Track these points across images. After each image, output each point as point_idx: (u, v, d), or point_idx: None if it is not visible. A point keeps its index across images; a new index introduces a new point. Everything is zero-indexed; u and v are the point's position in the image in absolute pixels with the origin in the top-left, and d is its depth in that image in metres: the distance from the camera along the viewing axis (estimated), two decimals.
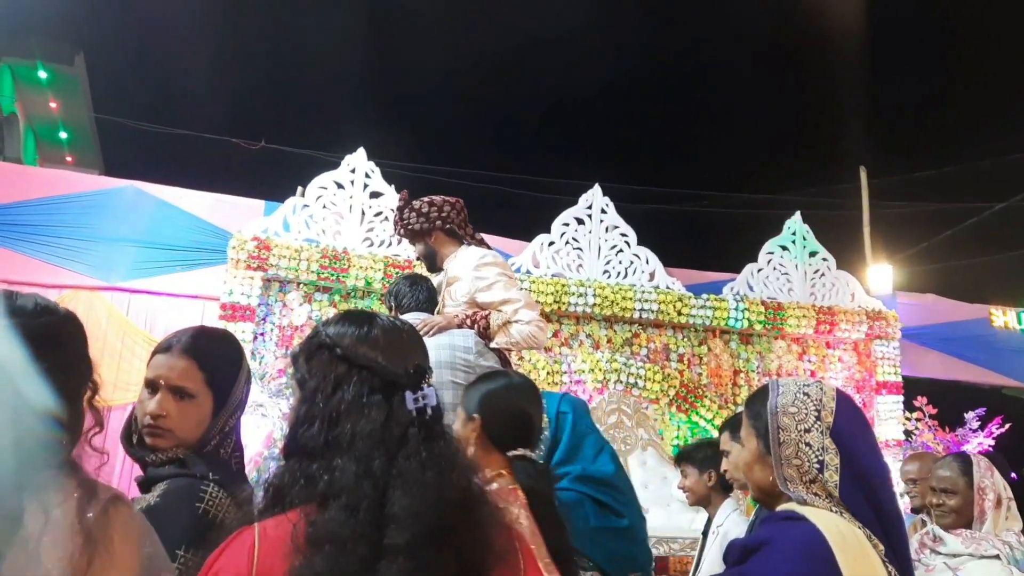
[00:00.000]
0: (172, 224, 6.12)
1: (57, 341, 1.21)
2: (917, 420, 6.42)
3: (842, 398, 1.56)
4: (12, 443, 1.04)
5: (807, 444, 1.49)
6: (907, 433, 6.59)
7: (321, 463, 1.08)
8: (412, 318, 2.71)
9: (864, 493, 1.46)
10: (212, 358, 1.58)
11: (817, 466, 1.47)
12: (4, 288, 1.24)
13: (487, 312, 2.83)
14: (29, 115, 12.79)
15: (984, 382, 7.85)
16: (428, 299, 2.95)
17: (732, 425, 2.63)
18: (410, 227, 3.05)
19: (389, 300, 2.99)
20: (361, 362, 1.16)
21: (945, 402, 6.43)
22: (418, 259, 3.29)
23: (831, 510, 1.44)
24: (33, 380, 1.10)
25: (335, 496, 1.05)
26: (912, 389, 6.71)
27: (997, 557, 2.28)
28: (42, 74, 11.98)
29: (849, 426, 1.51)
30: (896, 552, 1.44)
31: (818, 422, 1.51)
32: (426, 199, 3.08)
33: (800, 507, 1.46)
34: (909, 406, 6.63)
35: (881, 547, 1.41)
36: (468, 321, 2.79)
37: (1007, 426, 5.67)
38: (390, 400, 1.13)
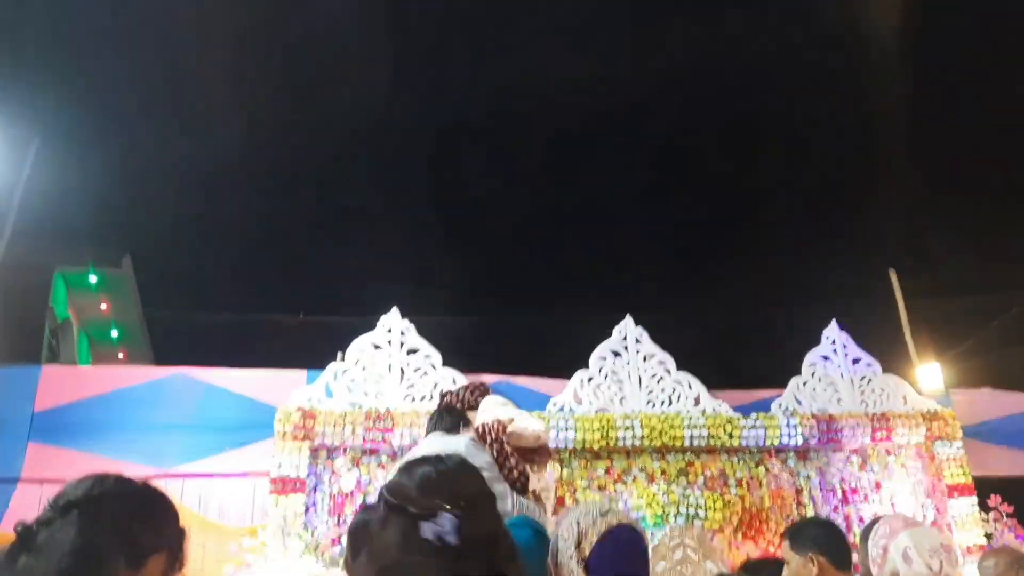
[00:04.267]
0: (220, 405, 6.30)
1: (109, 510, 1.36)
2: (995, 521, 6.08)
3: (613, 533, 1.68)
4: None
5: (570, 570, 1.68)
6: (988, 536, 6.23)
7: None
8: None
9: None
10: None
11: None
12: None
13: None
14: (82, 319, 13.45)
15: None
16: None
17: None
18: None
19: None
20: (391, 504, 1.28)
21: (1021, 499, 6.10)
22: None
23: None
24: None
25: None
26: (984, 489, 6.39)
27: None
28: (92, 278, 12.69)
29: (600, 560, 1.64)
30: None
31: (576, 550, 1.67)
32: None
33: None
34: (984, 508, 6.30)
35: None
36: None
37: None
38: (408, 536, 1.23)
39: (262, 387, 6.42)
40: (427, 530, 1.20)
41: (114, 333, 13.71)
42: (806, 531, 2.65)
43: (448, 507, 1.23)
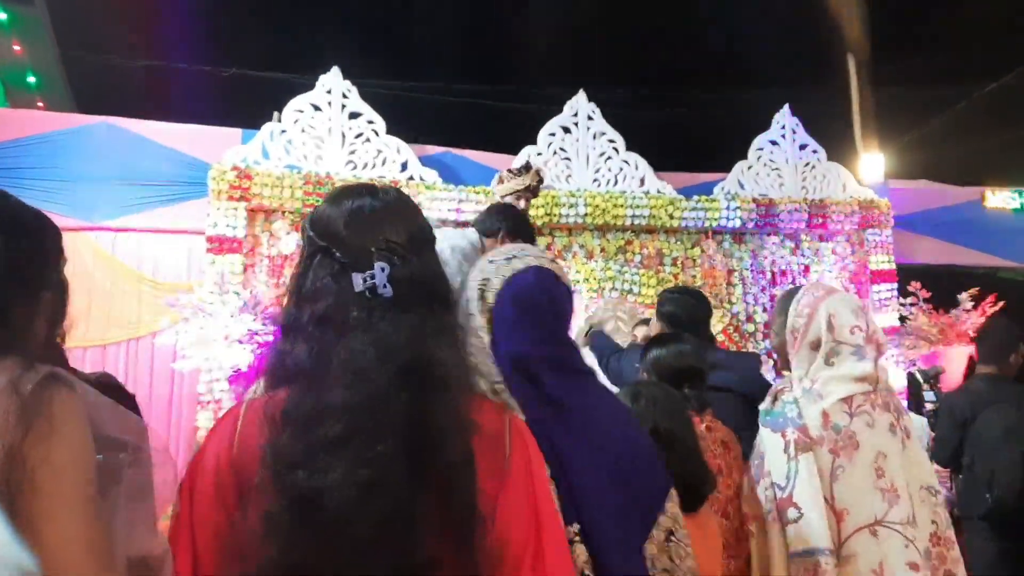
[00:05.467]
0: (149, 158, 5.97)
1: (20, 229, 1.19)
2: (912, 305, 6.44)
3: (519, 275, 1.51)
4: None
5: (478, 325, 1.54)
6: (902, 319, 6.63)
7: (288, 344, 1.10)
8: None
9: None
10: None
11: None
12: None
13: None
14: None
15: (979, 264, 7.85)
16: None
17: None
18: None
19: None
20: (321, 243, 1.15)
21: (940, 287, 6.42)
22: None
23: None
24: None
25: (292, 379, 1.06)
26: (907, 276, 6.70)
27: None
28: (1, 16, 11.53)
29: (501, 306, 1.49)
30: None
31: (480, 301, 1.50)
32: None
33: None
34: (904, 293, 6.65)
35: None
36: None
37: (1001, 304, 5.70)
38: (339, 282, 1.11)
39: (195, 142, 6.08)
40: (358, 281, 1.09)
41: (30, 79, 12.73)
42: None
43: (385, 249, 1.12)
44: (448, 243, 2.89)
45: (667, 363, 2.42)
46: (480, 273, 1.52)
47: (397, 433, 1.01)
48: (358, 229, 1.14)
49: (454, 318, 1.22)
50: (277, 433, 1.02)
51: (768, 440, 2.09)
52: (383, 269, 1.09)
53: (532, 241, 3.24)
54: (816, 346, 2.14)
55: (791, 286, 6.77)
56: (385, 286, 1.08)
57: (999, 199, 7.84)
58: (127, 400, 1.95)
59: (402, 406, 1.02)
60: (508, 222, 3.25)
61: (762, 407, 2.21)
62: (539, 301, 1.48)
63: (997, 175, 8.30)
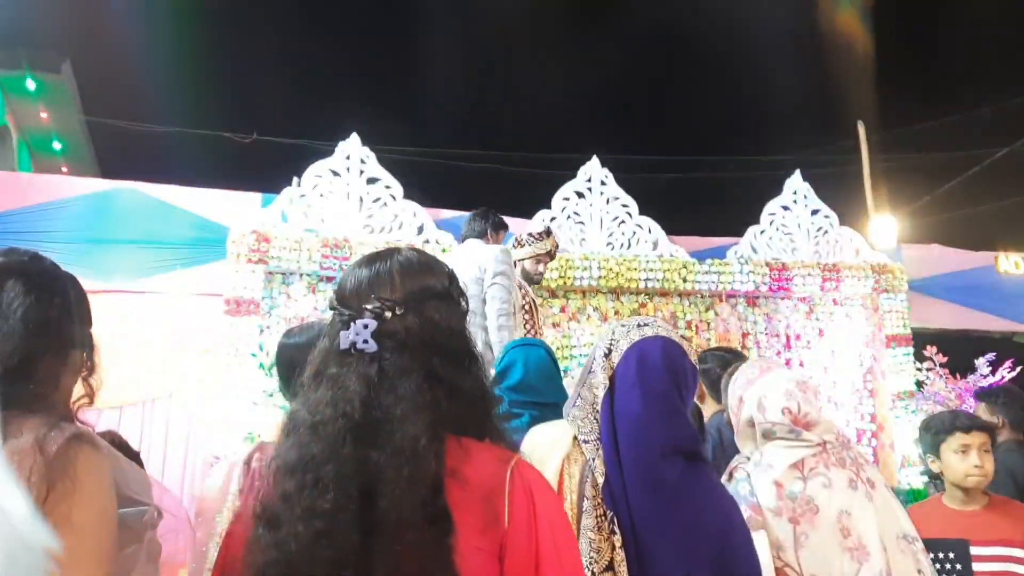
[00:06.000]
0: (171, 223, 6.09)
1: (53, 288, 1.22)
2: (928, 370, 6.39)
3: (645, 342, 1.60)
4: None
5: (598, 381, 1.68)
6: (919, 384, 6.57)
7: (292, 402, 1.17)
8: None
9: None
10: None
11: None
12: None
13: None
14: (21, 127, 12.74)
15: (994, 329, 7.82)
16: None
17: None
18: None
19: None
20: (334, 305, 1.21)
21: (955, 351, 6.40)
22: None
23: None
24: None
25: (290, 432, 1.11)
26: (922, 341, 6.68)
27: None
28: (31, 84, 11.91)
29: (626, 369, 1.58)
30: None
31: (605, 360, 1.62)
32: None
33: None
34: (920, 357, 6.60)
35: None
36: None
37: (1019, 369, 5.64)
38: (334, 340, 1.15)
39: (214, 206, 6.21)
40: (344, 338, 1.12)
41: (56, 145, 13.09)
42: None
43: (373, 307, 1.14)
44: (485, 263, 3.91)
45: None
46: (610, 335, 1.60)
47: (346, 487, 1.01)
48: (358, 289, 1.19)
49: (462, 368, 1.19)
50: (256, 488, 1.08)
51: None
52: (366, 326, 1.11)
53: (506, 228, 4.39)
54: (752, 424, 2.15)
55: (811, 360, 6.75)
56: (367, 341, 1.10)
57: (1011, 263, 7.85)
58: (134, 458, 1.98)
59: (351, 461, 1.03)
60: (489, 220, 4.27)
61: None
62: (664, 371, 1.54)
63: (1008, 239, 8.33)
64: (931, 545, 2.27)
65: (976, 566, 2.47)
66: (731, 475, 2.14)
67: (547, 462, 1.52)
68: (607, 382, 1.54)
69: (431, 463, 1.05)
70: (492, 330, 3.77)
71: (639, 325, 1.61)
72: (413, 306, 1.17)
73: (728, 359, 3.19)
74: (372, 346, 1.10)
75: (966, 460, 2.63)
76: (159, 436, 5.68)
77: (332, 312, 1.20)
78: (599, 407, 1.53)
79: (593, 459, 1.49)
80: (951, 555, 2.51)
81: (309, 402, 1.10)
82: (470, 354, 1.22)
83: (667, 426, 1.50)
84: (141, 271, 5.93)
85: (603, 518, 1.44)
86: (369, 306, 1.14)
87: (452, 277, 1.27)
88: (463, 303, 1.27)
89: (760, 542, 1.90)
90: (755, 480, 2.04)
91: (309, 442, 1.05)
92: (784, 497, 1.98)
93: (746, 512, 1.97)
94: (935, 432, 2.73)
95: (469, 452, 1.12)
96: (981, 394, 3.73)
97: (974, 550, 2.51)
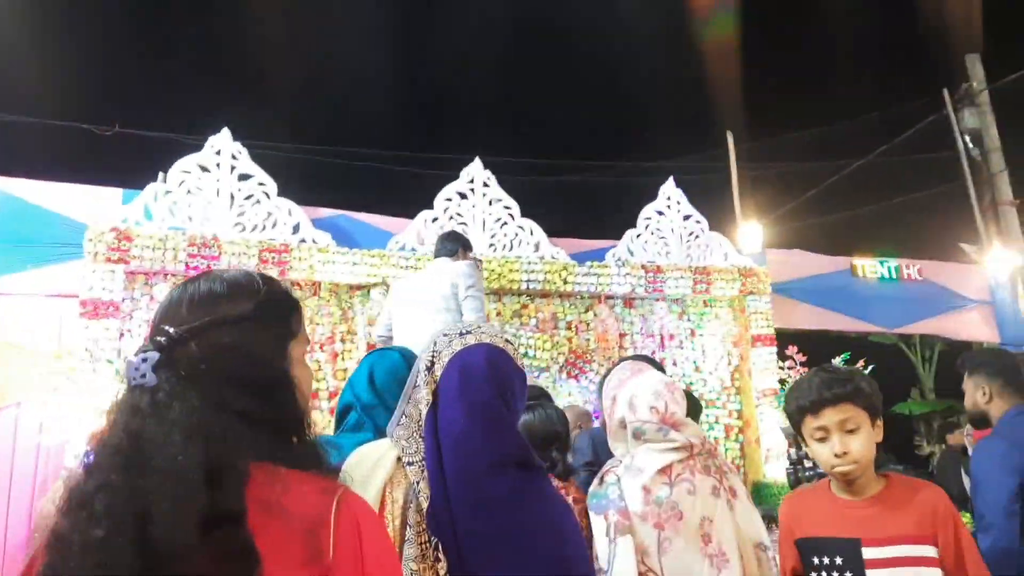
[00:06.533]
0: (20, 219, 5.65)
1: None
2: (789, 368, 6.76)
3: (467, 352, 1.55)
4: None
5: (421, 399, 1.64)
6: (781, 381, 6.94)
7: None
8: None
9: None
10: None
11: None
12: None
13: None
14: None
15: (850, 330, 8.36)
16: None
17: None
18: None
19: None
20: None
21: (815, 351, 6.78)
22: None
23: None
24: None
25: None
26: (785, 341, 7.05)
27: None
28: None
29: (448, 384, 1.54)
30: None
31: (428, 374, 1.58)
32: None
33: None
34: (782, 356, 6.97)
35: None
36: None
37: (870, 367, 6.06)
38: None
39: (71, 202, 5.80)
40: (128, 371, 1.11)
41: None
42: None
43: (156, 339, 1.13)
44: (456, 279, 4.32)
45: (535, 428, 2.44)
46: (432, 346, 1.53)
47: (117, 516, 0.98)
48: (158, 319, 1.19)
49: (262, 394, 1.16)
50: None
51: (593, 523, 2.08)
52: (144, 359, 1.09)
53: (472, 248, 4.88)
54: (624, 425, 2.20)
55: (683, 358, 7.02)
56: (144, 375, 1.08)
57: (865, 268, 8.42)
58: None
59: (121, 489, 1.00)
60: (460, 241, 4.77)
61: (590, 489, 2.19)
62: (486, 380, 1.48)
63: (863, 246, 8.93)
64: (818, 546, 2.10)
65: (870, 573, 2.03)
66: (602, 479, 2.16)
67: (368, 486, 1.46)
68: (430, 397, 1.47)
69: (202, 489, 1.00)
70: None
71: (461, 334, 1.54)
72: (199, 334, 1.14)
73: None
74: (151, 379, 1.08)
75: (826, 446, 2.11)
76: (6, 447, 5.26)
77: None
78: (424, 424, 1.46)
79: (418, 482, 1.42)
80: (838, 560, 2.06)
81: (94, 441, 1.08)
82: (275, 378, 1.18)
83: (492, 438, 1.44)
84: None
85: (427, 545, 1.38)
86: (156, 337, 1.13)
87: (263, 299, 1.23)
88: (277, 325, 1.24)
89: (625, 547, 1.95)
90: (625, 484, 2.06)
91: (87, 476, 1.03)
92: (651, 502, 2.01)
93: (614, 517, 2.00)
94: (789, 414, 2.25)
95: (288, 482, 1.08)
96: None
97: (866, 552, 2.04)
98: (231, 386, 1.12)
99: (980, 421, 3.31)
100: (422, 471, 1.43)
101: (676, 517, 1.99)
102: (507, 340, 1.59)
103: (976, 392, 3.27)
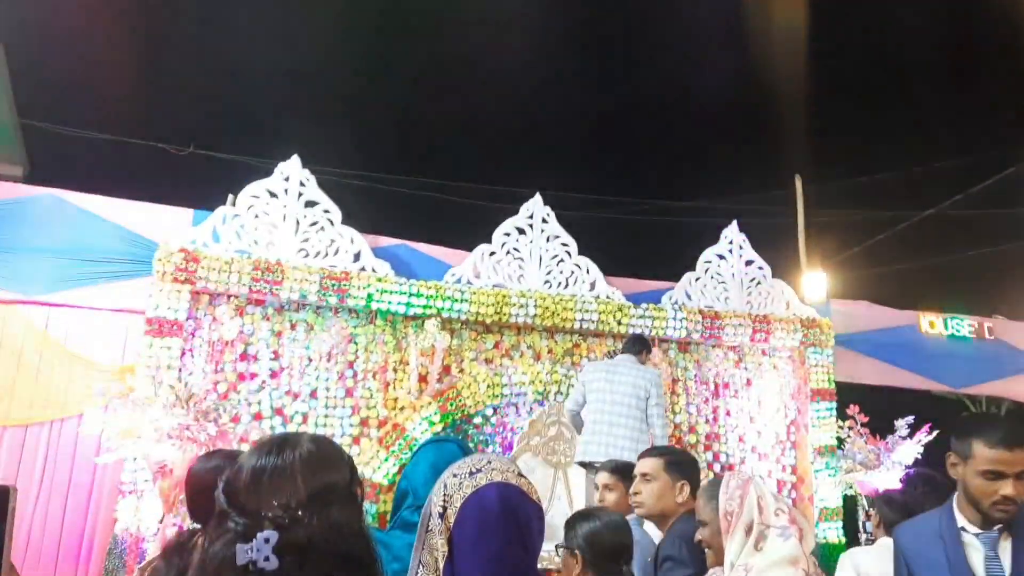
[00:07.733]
0: (94, 234, 5.84)
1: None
2: (849, 428, 6.54)
3: (479, 494, 1.46)
4: None
5: (437, 544, 1.56)
6: (839, 440, 6.72)
7: None
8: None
9: None
10: None
11: None
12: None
13: None
14: None
15: (915, 387, 8.06)
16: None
17: None
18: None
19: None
20: (224, 505, 1.08)
21: (877, 408, 6.56)
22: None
23: None
24: None
25: None
26: (846, 395, 6.83)
27: None
28: None
29: (462, 531, 1.45)
30: None
31: (441, 520, 1.48)
32: None
33: None
34: (842, 413, 6.76)
35: None
36: None
37: (935, 433, 5.82)
38: (228, 551, 1.03)
39: (143, 220, 5.98)
40: (242, 553, 1.01)
41: None
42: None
43: (274, 515, 1.04)
44: (651, 388, 5.07)
45: (603, 539, 2.37)
46: (443, 489, 1.46)
47: None
48: (256, 488, 1.08)
49: (353, 571, 1.12)
50: None
51: None
52: (267, 540, 1.01)
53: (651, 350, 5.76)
54: (749, 529, 2.15)
55: (737, 408, 6.85)
56: (268, 558, 1.01)
57: (931, 324, 8.13)
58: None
59: None
60: (644, 344, 5.50)
61: None
62: (501, 527, 1.40)
63: (929, 299, 8.64)
64: None
65: None
66: None
67: None
68: (446, 547, 1.40)
69: None
70: (660, 441, 4.90)
71: (471, 473, 1.44)
72: (317, 510, 1.08)
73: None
74: (273, 563, 1.00)
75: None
76: (65, 459, 5.41)
77: (222, 509, 1.09)
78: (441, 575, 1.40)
79: None
80: None
81: None
82: (371, 557, 1.14)
83: None
84: (58, 282, 5.67)
85: None
86: (270, 513, 1.04)
87: (352, 467, 1.20)
88: (360, 495, 1.19)
89: None
90: None
91: None
92: None
93: None
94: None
95: None
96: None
97: None
98: (341, 568, 1.08)
99: None
100: None
101: None
102: (519, 474, 1.50)
103: None
